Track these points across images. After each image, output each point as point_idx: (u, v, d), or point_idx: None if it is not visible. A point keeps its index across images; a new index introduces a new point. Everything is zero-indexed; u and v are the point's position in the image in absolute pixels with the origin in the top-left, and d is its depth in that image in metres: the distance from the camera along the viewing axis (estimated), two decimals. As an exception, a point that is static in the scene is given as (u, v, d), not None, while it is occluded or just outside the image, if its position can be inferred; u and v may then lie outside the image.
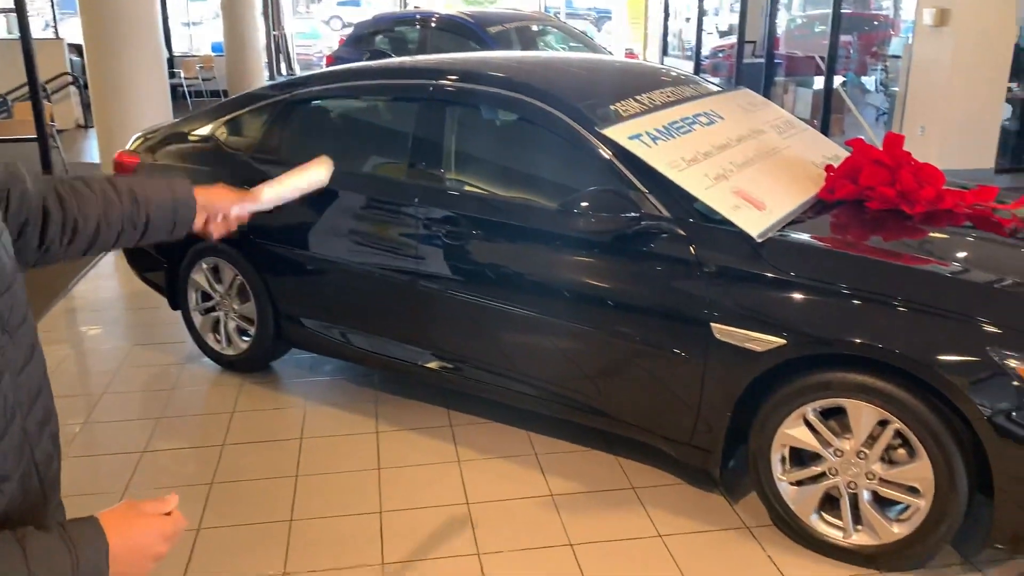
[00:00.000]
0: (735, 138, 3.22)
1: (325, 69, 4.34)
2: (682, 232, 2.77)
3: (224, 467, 3.25)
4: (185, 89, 13.92)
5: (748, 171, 3.02)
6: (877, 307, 2.47)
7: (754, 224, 2.70)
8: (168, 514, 1.11)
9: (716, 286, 2.69)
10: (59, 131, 10.10)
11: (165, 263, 4.10)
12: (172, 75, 14.16)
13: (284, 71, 17.72)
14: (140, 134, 4.47)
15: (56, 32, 15.20)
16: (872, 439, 2.54)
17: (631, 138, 2.87)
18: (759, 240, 2.66)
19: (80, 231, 1.35)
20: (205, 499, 3.05)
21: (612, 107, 3.11)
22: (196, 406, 3.74)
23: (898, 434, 2.49)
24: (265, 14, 16.66)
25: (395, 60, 4.20)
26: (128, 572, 1.06)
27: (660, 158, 2.82)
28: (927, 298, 2.45)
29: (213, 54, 14.88)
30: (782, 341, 2.56)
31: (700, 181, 2.80)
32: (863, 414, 2.51)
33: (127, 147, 4.39)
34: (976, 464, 2.42)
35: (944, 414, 2.39)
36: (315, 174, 1.67)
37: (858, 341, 2.45)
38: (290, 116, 3.78)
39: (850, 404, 2.52)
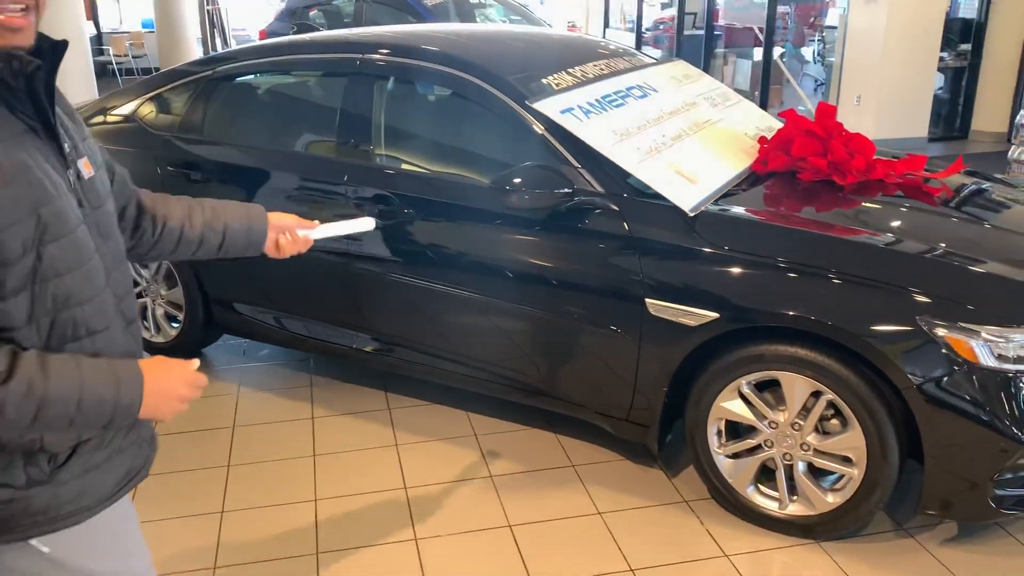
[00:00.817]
0: (669, 111, 3.19)
1: (251, 44, 4.20)
2: (615, 207, 2.73)
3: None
4: (115, 67, 13.45)
5: (681, 144, 2.99)
6: (808, 279, 2.47)
7: (687, 198, 2.67)
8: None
9: (650, 261, 2.66)
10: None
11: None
12: (101, 52, 13.71)
13: (220, 47, 17.26)
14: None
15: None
16: (806, 410, 2.55)
17: (563, 112, 2.81)
18: (691, 214, 2.63)
19: (168, 228, 1.64)
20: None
21: (544, 80, 3.04)
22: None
23: (831, 405, 2.50)
24: (197, -13, 16.17)
25: (321, 34, 4.07)
26: (157, 407, 1.34)
27: (592, 132, 2.77)
28: (858, 269, 2.45)
29: (143, 30, 14.40)
30: (715, 315, 2.54)
31: (633, 155, 2.76)
32: (796, 386, 2.52)
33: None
34: (906, 432, 2.44)
35: (875, 384, 2.41)
36: (364, 223, 1.91)
37: (790, 313, 2.45)
38: (214, 93, 3.64)
39: (783, 376, 2.53)
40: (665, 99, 3.29)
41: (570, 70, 3.18)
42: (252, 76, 3.68)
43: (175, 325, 3.84)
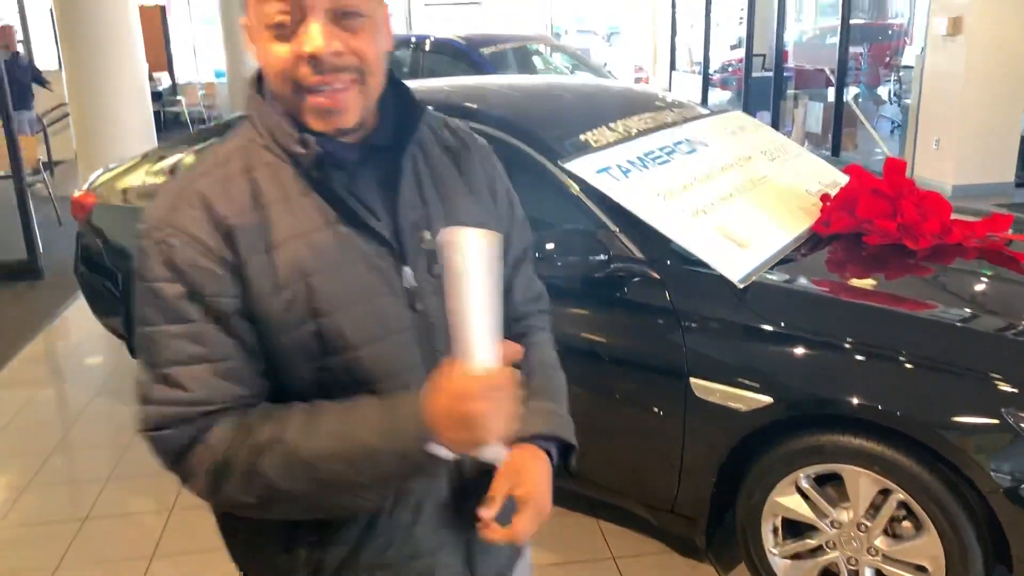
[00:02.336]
0: (719, 167, 2.94)
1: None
2: (656, 276, 2.48)
3: (170, 536, 2.98)
4: (187, 116, 13.80)
5: (732, 204, 2.73)
6: (875, 362, 2.17)
7: (735, 267, 2.41)
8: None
9: (695, 337, 2.40)
10: (55, 163, 9.99)
11: (123, 308, 3.87)
12: (174, 103, 14.10)
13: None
14: (103, 170, 4.26)
15: (60, 62, 15.18)
16: (874, 509, 2.24)
17: (599, 171, 2.59)
18: (741, 285, 2.37)
19: None
20: (144, 573, 2.79)
21: (582, 137, 2.83)
22: (149, 465, 3.43)
23: (903, 505, 2.19)
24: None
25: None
26: (453, 417, 0.99)
27: (630, 193, 2.54)
28: (932, 351, 2.14)
29: (216, 80, 14.78)
30: (768, 400, 2.26)
31: (675, 218, 2.51)
32: (862, 483, 2.21)
33: (86, 185, 4.17)
34: (992, 537, 2.11)
35: (953, 483, 2.09)
36: None
37: (854, 401, 2.15)
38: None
39: (847, 471, 2.22)
40: (716, 154, 3.04)
41: (612, 125, 2.96)
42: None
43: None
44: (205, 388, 1.05)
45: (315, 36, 1.02)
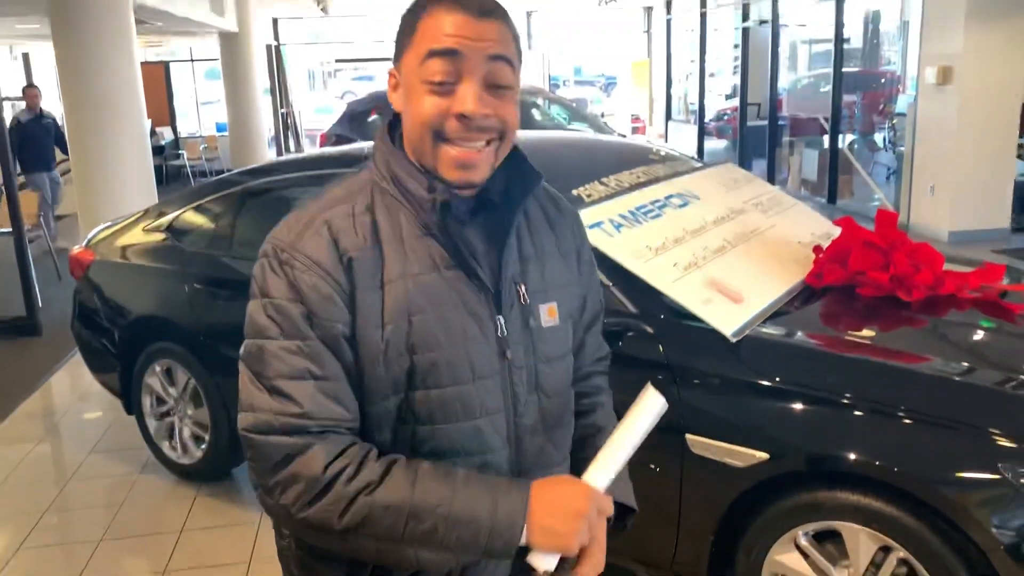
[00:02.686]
0: (711, 220, 2.95)
1: (288, 157, 4.15)
2: (650, 330, 2.48)
3: (161, 599, 2.94)
4: (189, 170, 13.93)
5: (724, 257, 2.74)
6: (871, 417, 2.15)
7: (728, 320, 2.40)
8: None
9: (689, 392, 2.38)
10: (58, 217, 10.04)
11: (119, 365, 3.86)
12: (176, 156, 14.24)
13: (292, 148, 17.81)
14: (102, 227, 4.28)
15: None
16: (875, 567, 2.20)
17: (591, 227, 2.60)
18: (734, 339, 2.36)
19: None
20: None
21: (575, 192, 2.85)
22: (142, 525, 3.44)
23: (903, 563, 2.15)
24: (272, 92, 16.81)
25: (355, 146, 3.99)
26: (552, 528, 1.11)
27: (622, 248, 2.55)
28: (929, 406, 2.13)
29: (217, 134, 14.95)
30: (765, 456, 2.24)
31: (667, 273, 2.52)
32: (861, 540, 2.17)
33: (84, 242, 4.20)
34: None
35: (954, 540, 2.06)
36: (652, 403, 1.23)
37: (851, 457, 2.13)
38: (245, 207, 3.56)
39: (845, 528, 2.19)
40: (708, 207, 3.06)
41: (604, 180, 2.98)
42: (285, 190, 3.60)
43: (202, 446, 3.69)
44: (312, 403, 1.12)
45: (470, 99, 1.12)
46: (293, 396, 1.12)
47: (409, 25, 1.16)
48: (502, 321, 1.21)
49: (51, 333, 6.04)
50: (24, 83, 11.94)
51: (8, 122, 7.94)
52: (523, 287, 1.24)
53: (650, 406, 1.21)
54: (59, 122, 8.65)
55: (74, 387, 5.11)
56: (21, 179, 9.34)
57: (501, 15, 1.16)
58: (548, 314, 1.26)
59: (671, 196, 3.02)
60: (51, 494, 3.74)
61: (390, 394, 1.16)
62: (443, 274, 1.17)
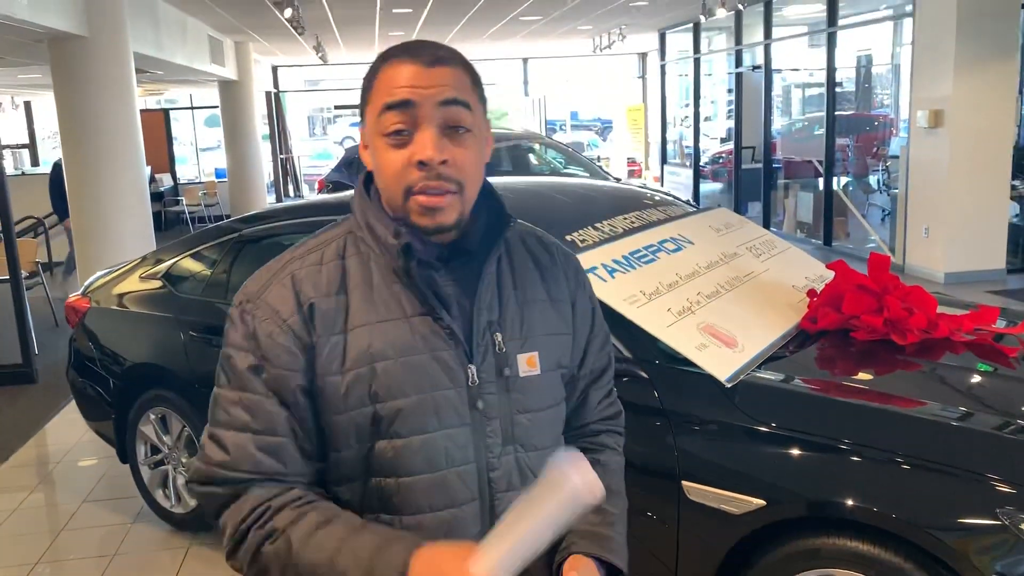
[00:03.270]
0: (705, 265, 2.97)
1: (284, 204, 4.17)
2: (644, 375, 2.48)
3: (152, 652, 2.89)
4: (187, 216, 14.00)
5: (718, 302, 2.75)
6: (868, 462, 2.14)
7: (723, 365, 2.40)
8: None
9: (685, 438, 2.37)
10: (55, 264, 10.07)
11: (114, 413, 3.84)
12: (176, 203, 14.32)
13: (292, 193, 17.94)
14: (99, 274, 4.29)
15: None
16: (875, 615, 2.17)
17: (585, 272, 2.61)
18: (729, 384, 2.36)
19: None
20: None
21: (568, 238, 2.87)
22: None
23: (904, 611, 2.12)
24: (272, 138, 16.98)
25: (350, 193, 4.01)
26: None
27: (616, 294, 2.56)
28: (927, 451, 2.12)
29: (216, 180, 15.06)
30: (762, 502, 2.22)
31: (661, 317, 2.52)
32: (860, 588, 2.15)
33: (80, 290, 4.20)
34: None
35: (956, 588, 2.03)
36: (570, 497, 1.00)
37: (848, 503, 2.11)
38: (241, 254, 3.57)
39: (844, 576, 2.17)
40: (702, 251, 3.08)
41: (597, 225, 3.00)
42: (281, 237, 3.62)
43: (195, 494, 3.65)
44: (239, 453, 1.13)
45: (428, 144, 1.13)
46: (226, 446, 1.14)
47: (368, 83, 1.19)
48: (473, 370, 1.19)
49: (47, 380, 6.03)
50: (26, 131, 12.04)
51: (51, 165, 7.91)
52: (499, 335, 1.22)
53: (568, 488, 0.98)
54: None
55: (69, 435, 5.07)
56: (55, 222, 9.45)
57: (455, 61, 1.17)
58: (527, 364, 1.23)
59: (665, 241, 3.03)
60: (44, 544, 3.69)
61: (354, 443, 1.16)
62: (411, 321, 1.17)
